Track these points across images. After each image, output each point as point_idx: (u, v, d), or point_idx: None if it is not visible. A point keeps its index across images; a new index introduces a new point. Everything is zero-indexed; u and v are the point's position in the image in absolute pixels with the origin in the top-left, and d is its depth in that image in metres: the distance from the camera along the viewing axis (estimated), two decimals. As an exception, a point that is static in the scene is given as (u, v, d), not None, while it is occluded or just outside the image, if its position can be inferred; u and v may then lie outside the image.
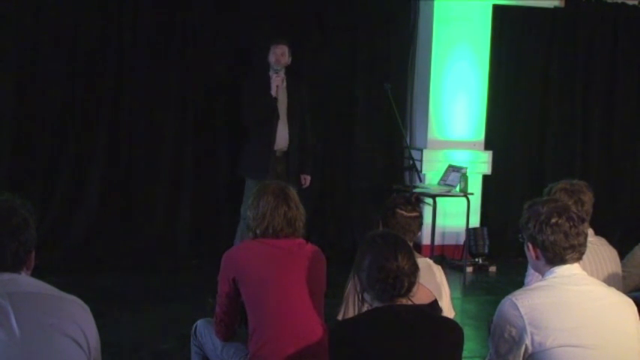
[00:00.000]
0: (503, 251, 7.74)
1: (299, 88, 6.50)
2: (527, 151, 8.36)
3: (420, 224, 3.66)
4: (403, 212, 3.59)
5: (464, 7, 7.68)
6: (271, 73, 6.31)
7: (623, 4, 8.46)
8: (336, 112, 7.70)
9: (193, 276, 6.60)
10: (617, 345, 2.59)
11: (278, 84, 6.26)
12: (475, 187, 7.57)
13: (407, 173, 7.84)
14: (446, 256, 7.54)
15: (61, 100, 6.90)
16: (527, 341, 2.56)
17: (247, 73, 6.95)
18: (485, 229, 7.54)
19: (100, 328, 2.43)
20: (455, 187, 7.14)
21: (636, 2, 8.48)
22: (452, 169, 7.27)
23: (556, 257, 2.70)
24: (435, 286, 3.47)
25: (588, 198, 3.78)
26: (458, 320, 2.92)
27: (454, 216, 7.49)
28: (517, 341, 2.58)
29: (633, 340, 2.64)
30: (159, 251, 7.05)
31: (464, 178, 7.12)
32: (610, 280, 3.56)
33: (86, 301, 2.39)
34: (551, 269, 2.71)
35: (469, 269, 7.30)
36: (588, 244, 2.78)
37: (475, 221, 7.63)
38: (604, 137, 8.54)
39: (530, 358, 2.59)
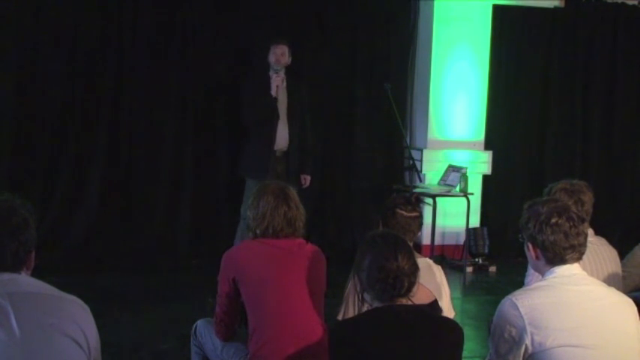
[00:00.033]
0: (503, 251, 7.74)
1: (299, 88, 6.50)
2: (527, 151, 8.36)
3: (420, 224, 3.67)
4: (403, 212, 3.59)
5: (464, 7, 7.68)
6: (271, 73, 6.31)
7: (623, 4, 8.46)
8: (336, 112, 7.70)
9: (193, 276, 6.60)
10: (617, 345, 2.59)
11: (278, 84, 6.27)
12: (475, 187, 7.57)
13: (407, 173, 7.84)
14: (446, 256, 7.54)
15: (61, 100, 6.90)
16: (527, 341, 2.56)
17: (247, 73, 6.95)
18: (485, 229, 7.54)
19: (100, 328, 2.43)
20: (455, 187, 7.14)
21: (636, 2, 8.48)
22: (452, 169, 7.27)
23: (556, 257, 2.70)
24: (435, 286, 3.47)
25: (588, 198, 3.78)
26: (458, 320, 2.92)
27: (454, 216, 7.49)
28: (517, 341, 2.58)
29: (633, 340, 2.64)
30: (159, 251, 7.05)
31: (464, 178, 7.12)
32: (610, 280, 3.56)
33: (86, 301, 2.39)
34: (551, 269, 2.71)
35: (469, 269, 7.30)
36: (588, 244, 2.78)
37: (475, 221, 7.63)
38: (604, 137, 8.54)
39: (530, 358, 2.59)
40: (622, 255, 3.99)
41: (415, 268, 2.70)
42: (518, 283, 3.69)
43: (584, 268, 2.76)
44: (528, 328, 2.56)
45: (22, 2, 6.73)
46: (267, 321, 3.29)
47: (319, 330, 3.33)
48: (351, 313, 3.36)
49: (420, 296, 2.87)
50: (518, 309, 2.59)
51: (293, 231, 3.41)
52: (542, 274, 2.75)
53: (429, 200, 7.02)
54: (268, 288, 3.30)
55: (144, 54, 7.06)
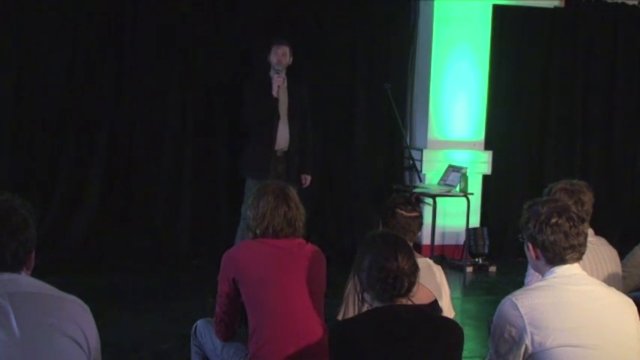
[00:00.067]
0: (503, 251, 7.74)
1: (299, 88, 6.50)
2: (527, 151, 8.36)
3: (420, 224, 3.66)
4: (403, 212, 3.59)
5: (464, 7, 7.68)
6: (272, 73, 6.31)
7: (623, 4, 8.46)
8: (336, 112, 7.70)
9: (193, 276, 6.60)
10: (617, 345, 2.59)
11: (279, 84, 6.27)
12: (475, 187, 7.57)
13: (407, 173, 7.84)
14: (446, 256, 7.54)
15: (61, 100, 6.90)
16: (527, 341, 2.56)
17: (248, 74, 6.96)
18: (485, 229, 7.54)
19: (100, 328, 2.42)
20: (455, 187, 7.14)
21: (636, 2, 8.48)
22: (452, 169, 7.27)
23: (556, 257, 2.69)
24: (435, 286, 3.47)
25: (588, 198, 3.78)
26: (458, 320, 2.92)
27: (454, 216, 7.49)
28: (517, 341, 2.58)
29: (633, 340, 2.64)
30: (159, 251, 7.06)
31: (464, 178, 7.12)
32: (610, 280, 3.56)
33: (86, 301, 2.39)
34: (551, 269, 2.71)
35: (469, 269, 7.30)
36: (588, 244, 2.78)
37: (475, 221, 7.63)
38: (604, 137, 8.54)
39: (530, 358, 2.59)
40: (622, 255, 3.99)
41: (415, 268, 2.70)
42: (518, 283, 3.68)
43: (584, 268, 2.76)
44: (528, 328, 2.56)
45: (22, 2, 6.73)
46: (267, 321, 3.29)
47: (319, 330, 3.33)
48: (351, 313, 3.36)
49: (420, 296, 2.86)
50: (518, 309, 2.59)
51: (293, 231, 3.41)
52: (542, 274, 2.75)
53: (429, 200, 7.02)
54: (268, 288, 3.30)
55: (144, 54, 7.06)
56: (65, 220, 6.96)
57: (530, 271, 3.59)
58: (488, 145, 7.92)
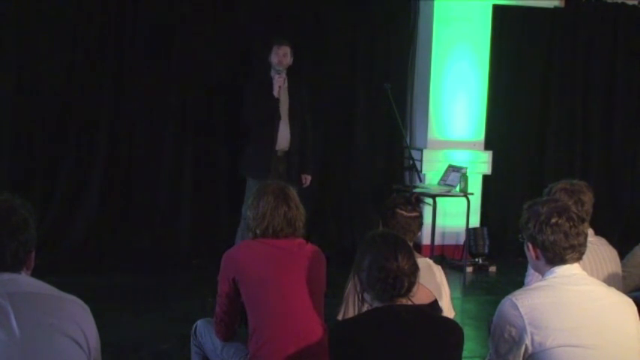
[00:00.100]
0: (503, 251, 7.74)
1: (300, 88, 6.50)
2: (527, 151, 8.36)
3: (420, 224, 3.66)
4: (403, 212, 3.59)
5: (464, 7, 7.68)
6: (273, 73, 6.31)
7: (623, 4, 8.46)
8: (336, 112, 7.70)
9: (193, 276, 6.60)
10: (617, 345, 2.59)
11: (280, 85, 6.27)
12: (475, 187, 7.57)
13: (407, 173, 7.84)
14: (446, 256, 7.54)
15: (61, 100, 6.90)
16: (527, 341, 2.56)
17: (248, 74, 6.96)
18: (485, 229, 7.54)
19: (100, 328, 2.42)
20: (455, 187, 7.14)
21: (636, 2, 8.48)
22: (452, 169, 7.27)
23: (556, 257, 2.69)
24: (435, 286, 3.47)
25: (588, 198, 3.78)
26: (458, 320, 2.92)
27: (454, 216, 7.49)
28: (517, 341, 2.58)
29: (633, 340, 2.64)
30: (159, 251, 7.05)
31: (464, 178, 7.12)
32: (610, 280, 3.56)
33: (86, 301, 2.39)
34: (551, 269, 2.71)
35: (469, 269, 7.30)
36: (588, 244, 2.78)
37: (475, 221, 7.63)
38: (604, 137, 8.54)
39: (530, 358, 2.58)
40: (622, 255, 3.99)
41: (415, 268, 2.70)
42: (518, 283, 3.68)
43: (584, 268, 2.76)
44: (528, 328, 2.56)
45: (22, 2, 6.73)
46: (267, 321, 3.29)
47: (319, 330, 3.33)
48: (351, 313, 3.36)
49: (420, 296, 2.87)
50: (518, 309, 2.59)
51: (293, 231, 3.41)
52: (542, 274, 2.75)
53: (429, 200, 7.02)
54: (268, 288, 3.30)
55: (144, 54, 7.07)
56: (65, 220, 6.96)
57: (530, 271, 3.59)
58: (488, 145, 7.92)
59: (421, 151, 7.63)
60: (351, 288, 3.29)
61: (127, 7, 7.01)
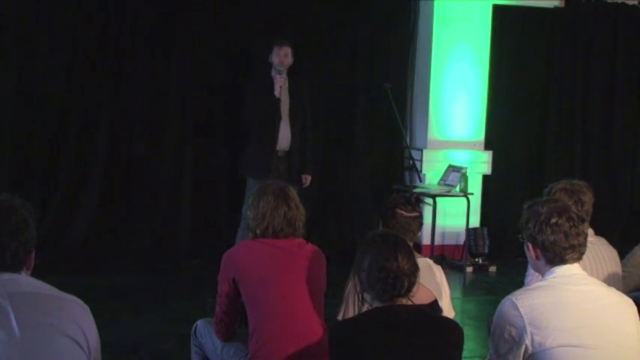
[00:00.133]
0: (504, 251, 7.74)
1: (300, 88, 6.51)
2: (527, 151, 8.36)
3: (420, 224, 3.66)
4: (403, 212, 3.58)
5: (464, 7, 7.68)
6: (274, 74, 6.31)
7: (623, 4, 8.46)
8: (336, 112, 7.70)
9: (193, 276, 6.60)
10: (617, 345, 2.59)
11: (282, 85, 6.27)
12: (475, 187, 7.57)
13: (407, 173, 7.84)
14: (446, 256, 7.54)
15: (61, 100, 6.90)
16: (527, 341, 2.56)
17: (249, 74, 6.96)
18: (485, 229, 7.54)
19: (100, 328, 2.42)
20: (455, 187, 7.14)
21: (636, 2, 8.48)
22: (452, 169, 7.27)
23: (556, 257, 2.69)
24: (435, 286, 3.47)
25: (588, 198, 3.78)
26: (458, 320, 2.93)
27: (454, 216, 7.49)
28: (517, 341, 2.58)
29: (633, 340, 2.64)
30: (159, 251, 7.06)
31: (464, 178, 7.12)
32: (610, 280, 3.56)
33: (86, 301, 2.39)
34: (551, 269, 2.71)
35: (469, 269, 7.30)
36: (588, 244, 2.78)
37: (475, 221, 7.63)
38: (604, 137, 8.54)
39: (530, 358, 2.59)
40: (622, 255, 3.99)
41: (415, 268, 2.70)
42: (518, 283, 3.68)
43: (584, 268, 2.76)
44: (528, 328, 2.56)
45: (22, 2, 6.73)
46: (267, 321, 3.29)
47: (319, 330, 3.33)
48: (351, 313, 3.36)
49: (420, 296, 2.87)
50: (518, 309, 2.59)
51: (293, 231, 3.41)
52: (542, 274, 2.75)
53: (429, 200, 7.02)
54: (268, 288, 3.30)
55: (144, 54, 7.07)
56: (65, 220, 6.96)
57: (530, 271, 3.59)
58: (488, 145, 7.92)
59: (421, 151, 7.63)
60: (351, 288, 3.29)
61: (126, 7, 7.01)
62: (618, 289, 2.95)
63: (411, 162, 7.29)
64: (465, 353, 2.77)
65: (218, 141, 7.30)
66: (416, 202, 3.88)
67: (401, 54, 7.88)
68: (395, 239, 2.75)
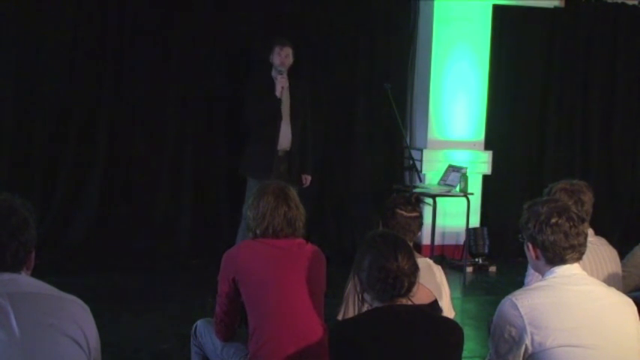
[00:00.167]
0: (503, 251, 7.74)
1: (301, 88, 6.51)
2: (527, 151, 8.36)
3: (420, 224, 3.66)
4: (403, 212, 3.58)
5: (464, 7, 7.68)
6: (275, 74, 6.31)
7: (623, 4, 8.46)
8: (336, 112, 7.70)
9: (193, 276, 6.60)
10: (617, 345, 2.59)
11: (283, 85, 6.27)
12: (475, 187, 7.57)
13: (407, 173, 7.84)
14: (446, 256, 7.54)
15: (61, 100, 6.90)
16: (527, 341, 2.56)
17: (249, 74, 6.96)
18: (485, 229, 7.54)
19: (100, 328, 2.42)
20: (455, 187, 7.14)
21: (636, 2, 8.48)
22: (452, 169, 7.27)
23: (556, 257, 2.70)
24: (435, 286, 3.47)
25: (588, 198, 3.78)
26: (458, 320, 2.92)
27: (454, 216, 7.49)
28: (517, 341, 2.58)
29: (633, 340, 2.64)
30: (159, 251, 7.05)
31: (464, 178, 7.12)
32: (610, 280, 3.56)
33: (86, 301, 2.39)
34: (551, 269, 2.71)
35: (469, 269, 7.30)
36: (588, 244, 2.78)
37: (475, 221, 7.63)
38: (604, 137, 8.54)
39: (530, 358, 2.59)
40: (622, 255, 3.99)
41: (415, 268, 2.70)
42: (518, 283, 3.68)
43: (584, 268, 2.76)
44: (528, 328, 2.56)
45: (22, 2, 6.73)
46: (267, 321, 3.29)
47: (319, 330, 3.33)
48: (351, 313, 3.36)
49: (420, 296, 2.87)
50: (518, 309, 2.59)
51: (293, 231, 3.41)
52: (542, 274, 2.76)
53: (429, 200, 7.02)
54: (268, 288, 3.30)
55: (144, 54, 7.06)
56: (65, 220, 6.96)
57: (530, 271, 3.59)
58: (488, 145, 7.92)
59: (421, 151, 7.63)
60: (351, 288, 3.29)
61: (126, 7, 7.01)
62: (618, 289, 2.95)
63: (411, 162, 7.29)
64: (465, 353, 2.77)
65: (218, 141, 7.29)
66: (416, 202, 3.88)
67: (401, 54, 7.88)
68: (395, 239, 2.75)
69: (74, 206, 6.99)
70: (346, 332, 2.66)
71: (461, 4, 7.67)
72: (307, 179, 6.54)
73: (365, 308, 2.84)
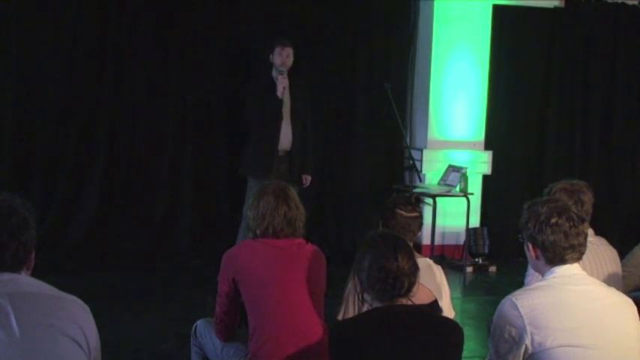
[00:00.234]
0: (503, 251, 7.73)
1: (302, 88, 6.51)
2: (527, 151, 8.36)
3: (420, 224, 3.66)
4: (403, 212, 3.58)
5: (464, 7, 7.68)
6: (275, 74, 6.31)
7: (623, 4, 8.46)
8: (336, 112, 7.70)
9: (193, 276, 6.60)
10: (617, 345, 2.59)
11: (285, 85, 6.27)
12: (475, 187, 7.57)
13: (407, 173, 7.84)
14: (446, 256, 7.54)
15: (61, 100, 6.90)
16: (527, 341, 2.56)
17: (250, 74, 6.96)
18: (485, 229, 7.54)
19: (100, 328, 2.42)
20: (455, 187, 7.14)
21: (636, 2, 8.48)
22: (452, 169, 7.27)
23: (556, 257, 2.70)
24: (435, 286, 3.47)
25: (588, 198, 3.78)
26: (458, 320, 2.93)
27: (454, 216, 7.49)
28: (517, 341, 2.58)
29: (633, 340, 2.64)
30: (159, 251, 7.05)
31: (464, 178, 7.12)
32: (610, 280, 3.56)
33: (86, 301, 2.39)
34: (551, 269, 2.71)
35: (469, 269, 7.30)
36: (588, 244, 2.78)
37: (475, 221, 7.63)
38: (604, 137, 8.54)
39: (530, 358, 2.59)
40: (622, 255, 3.99)
41: (415, 268, 2.70)
42: (518, 283, 3.68)
43: (584, 268, 2.76)
44: (528, 328, 2.56)
45: (22, 2, 6.73)
46: (267, 321, 3.29)
47: (319, 330, 3.33)
48: (351, 313, 3.36)
49: (420, 296, 2.87)
50: (518, 309, 2.59)
51: (293, 231, 3.41)
52: (542, 274, 2.76)
53: (429, 200, 7.02)
54: (268, 288, 3.30)
55: (144, 54, 7.06)
56: (65, 220, 6.96)
57: (530, 271, 3.59)
58: (488, 145, 7.92)
59: (421, 151, 7.63)
60: (351, 288, 3.29)
61: (126, 7, 7.01)
62: (618, 289, 2.95)
63: (411, 162, 7.29)
64: (465, 353, 2.77)
65: (218, 141, 7.29)
66: (416, 202, 3.88)
67: (401, 54, 7.89)
68: (395, 239, 2.75)
69: (74, 206, 6.99)
70: (346, 332, 2.66)
71: (461, 4, 7.67)
72: (307, 179, 6.55)
73: (365, 308, 2.84)
